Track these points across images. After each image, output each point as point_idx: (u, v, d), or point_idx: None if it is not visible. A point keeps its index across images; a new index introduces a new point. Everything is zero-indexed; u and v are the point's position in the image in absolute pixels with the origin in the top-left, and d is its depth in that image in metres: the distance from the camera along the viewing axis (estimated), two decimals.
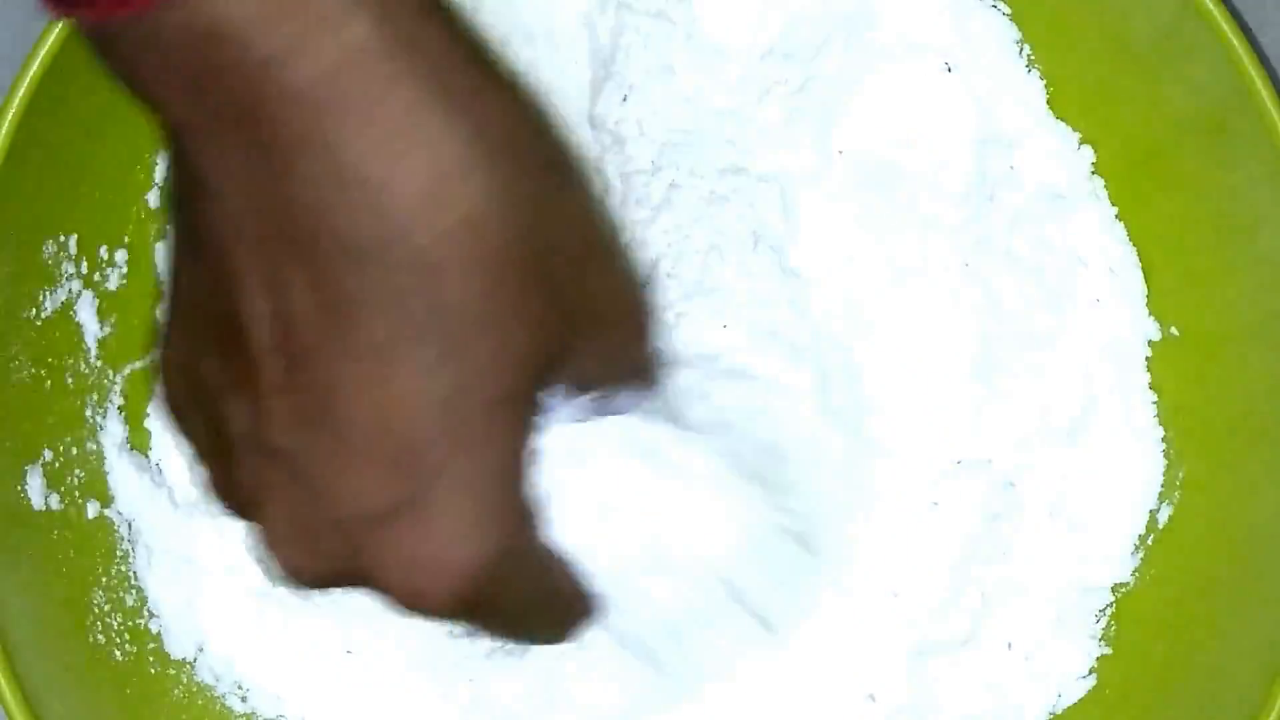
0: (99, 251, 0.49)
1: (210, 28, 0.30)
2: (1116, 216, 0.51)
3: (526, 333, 0.33)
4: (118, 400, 0.50)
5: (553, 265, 0.33)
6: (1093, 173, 0.51)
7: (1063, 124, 0.51)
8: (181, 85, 0.31)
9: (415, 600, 0.34)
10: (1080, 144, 0.51)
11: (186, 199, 0.33)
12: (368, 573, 0.34)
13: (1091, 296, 0.50)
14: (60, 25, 0.44)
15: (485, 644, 0.49)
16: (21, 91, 0.44)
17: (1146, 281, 0.51)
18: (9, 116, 0.44)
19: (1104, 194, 0.51)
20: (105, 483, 0.49)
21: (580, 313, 0.35)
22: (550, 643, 0.40)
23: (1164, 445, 0.51)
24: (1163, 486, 0.51)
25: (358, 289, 0.31)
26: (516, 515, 0.35)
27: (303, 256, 0.32)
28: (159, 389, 0.37)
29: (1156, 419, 0.51)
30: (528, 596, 0.37)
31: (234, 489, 0.35)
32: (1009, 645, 0.50)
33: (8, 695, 0.43)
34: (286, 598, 0.49)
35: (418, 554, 0.33)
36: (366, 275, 0.31)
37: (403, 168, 0.31)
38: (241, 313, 0.33)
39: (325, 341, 0.32)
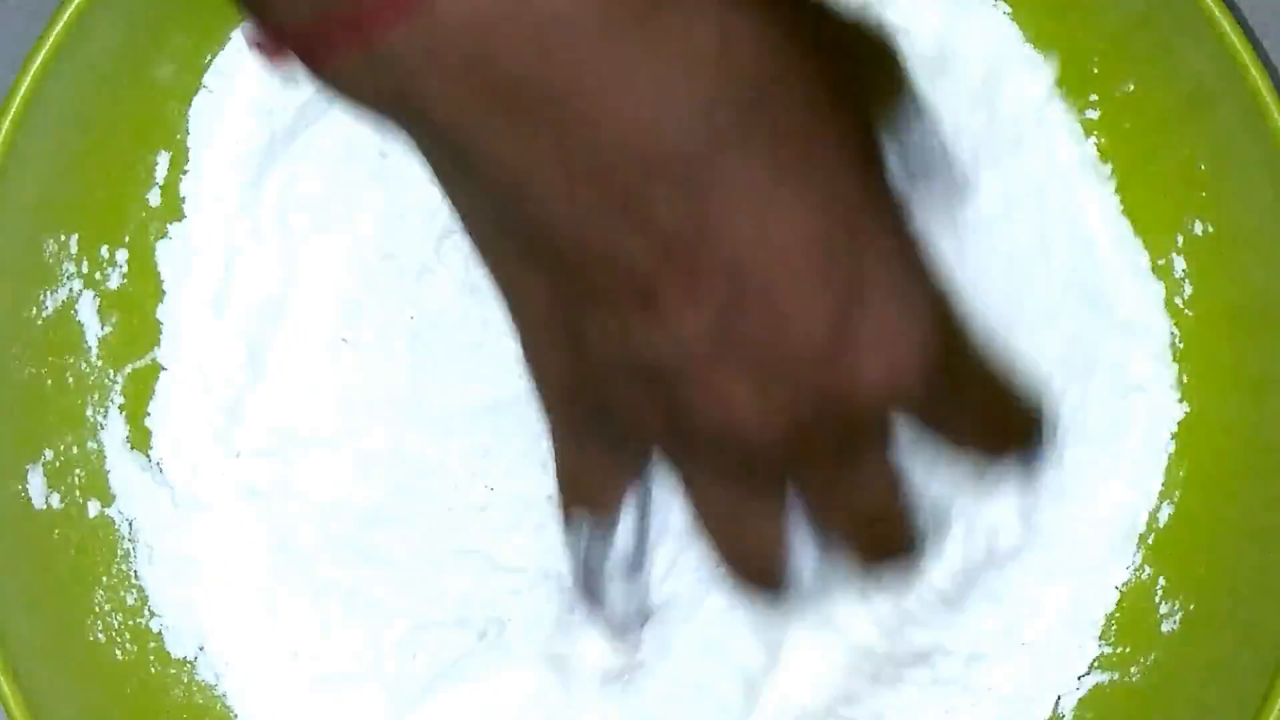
0: (100, 251, 0.49)
1: (474, 14, 0.31)
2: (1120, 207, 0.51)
3: (852, 123, 0.34)
4: (118, 399, 0.50)
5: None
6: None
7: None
8: (464, 87, 0.32)
9: (892, 375, 0.35)
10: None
11: (487, 220, 0.36)
12: (840, 379, 0.35)
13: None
14: (59, 26, 0.44)
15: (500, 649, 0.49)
16: (22, 91, 0.44)
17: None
18: (9, 115, 0.44)
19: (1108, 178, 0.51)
20: (106, 482, 0.49)
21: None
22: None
23: (1165, 445, 0.51)
24: (1163, 485, 0.51)
25: (704, 169, 0.32)
26: (940, 290, 0.37)
27: (643, 178, 0.32)
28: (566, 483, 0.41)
29: (1159, 418, 0.51)
30: (975, 387, 0.40)
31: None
32: (1009, 644, 0.50)
33: (8, 695, 0.43)
34: (289, 597, 0.50)
35: (883, 346, 0.34)
36: (705, 158, 0.32)
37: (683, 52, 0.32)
38: (613, 267, 0.34)
39: (707, 228, 0.33)
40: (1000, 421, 0.42)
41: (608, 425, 0.38)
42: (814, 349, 0.34)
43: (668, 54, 0.32)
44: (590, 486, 0.42)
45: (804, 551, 0.39)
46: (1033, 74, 0.51)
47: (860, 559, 0.40)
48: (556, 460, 0.42)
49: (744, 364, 0.34)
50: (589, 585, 0.44)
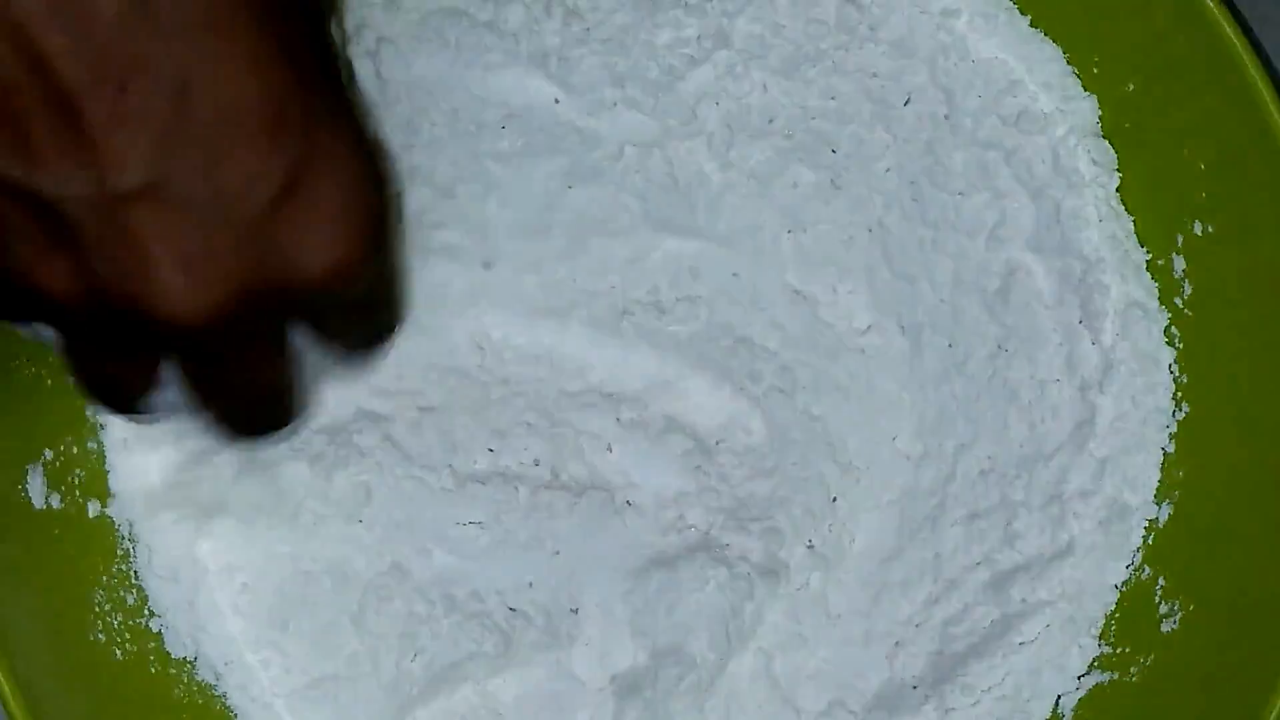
0: None
1: None
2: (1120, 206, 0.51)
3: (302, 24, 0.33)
4: None
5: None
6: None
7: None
8: None
9: (339, 264, 0.33)
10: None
11: None
12: (282, 262, 0.32)
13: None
14: None
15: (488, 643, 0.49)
16: None
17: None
18: None
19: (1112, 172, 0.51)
20: (106, 482, 0.49)
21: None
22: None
23: (1164, 445, 0.51)
24: (1163, 486, 0.50)
25: None
26: (384, 155, 0.35)
27: None
28: None
29: (1159, 418, 0.51)
30: (391, 268, 0.36)
31: (98, 272, 0.32)
32: (1008, 644, 0.50)
33: (8, 694, 0.43)
34: (287, 596, 0.50)
35: (331, 228, 0.33)
36: None
37: None
38: (37, 71, 0.30)
39: (155, 45, 0.30)
40: (387, 322, 0.40)
41: None
42: (258, 215, 0.32)
43: None
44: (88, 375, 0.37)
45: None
46: (1038, 74, 0.51)
47: (230, 432, 0.38)
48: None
49: (177, 224, 0.32)
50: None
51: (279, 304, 0.34)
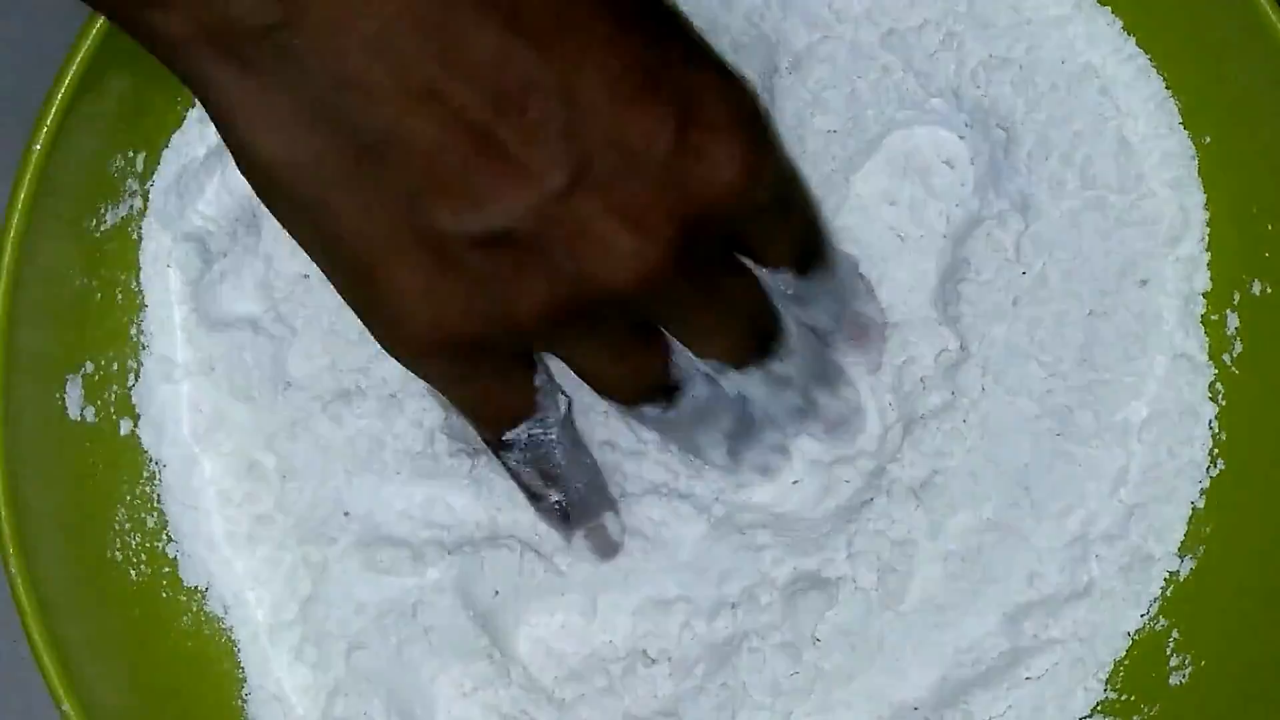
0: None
1: None
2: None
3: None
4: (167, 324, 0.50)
5: None
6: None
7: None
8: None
9: (747, 164, 0.37)
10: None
11: (313, 161, 0.36)
12: (703, 185, 0.36)
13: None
14: None
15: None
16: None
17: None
18: (90, 36, 0.44)
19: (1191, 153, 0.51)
20: (140, 403, 0.50)
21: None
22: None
23: (1195, 499, 0.50)
24: (1188, 539, 0.50)
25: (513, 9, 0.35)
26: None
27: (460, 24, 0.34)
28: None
29: (1193, 472, 0.50)
30: (785, 162, 0.43)
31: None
32: (1014, 677, 0.50)
33: (24, 600, 0.43)
34: (294, 544, 0.50)
35: (728, 142, 0.37)
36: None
37: None
38: (452, 133, 0.35)
39: (528, 66, 0.35)
40: (801, 227, 0.44)
41: (479, 345, 0.38)
42: (667, 152, 0.36)
43: None
44: (502, 404, 0.42)
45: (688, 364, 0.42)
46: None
47: (744, 356, 0.43)
48: (453, 402, 0.42)
49: (608, 195, 0.36)
50: (550, 490, 0.45)
51: (715, 226, 0.38)
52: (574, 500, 0.45)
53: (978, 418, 0.50)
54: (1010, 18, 0.49)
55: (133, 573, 0.48)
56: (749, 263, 0.42)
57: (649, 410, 0.43)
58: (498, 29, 0.35)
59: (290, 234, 0.38)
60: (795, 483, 0.49)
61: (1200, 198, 0.50)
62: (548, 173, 0.35)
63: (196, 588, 0.50)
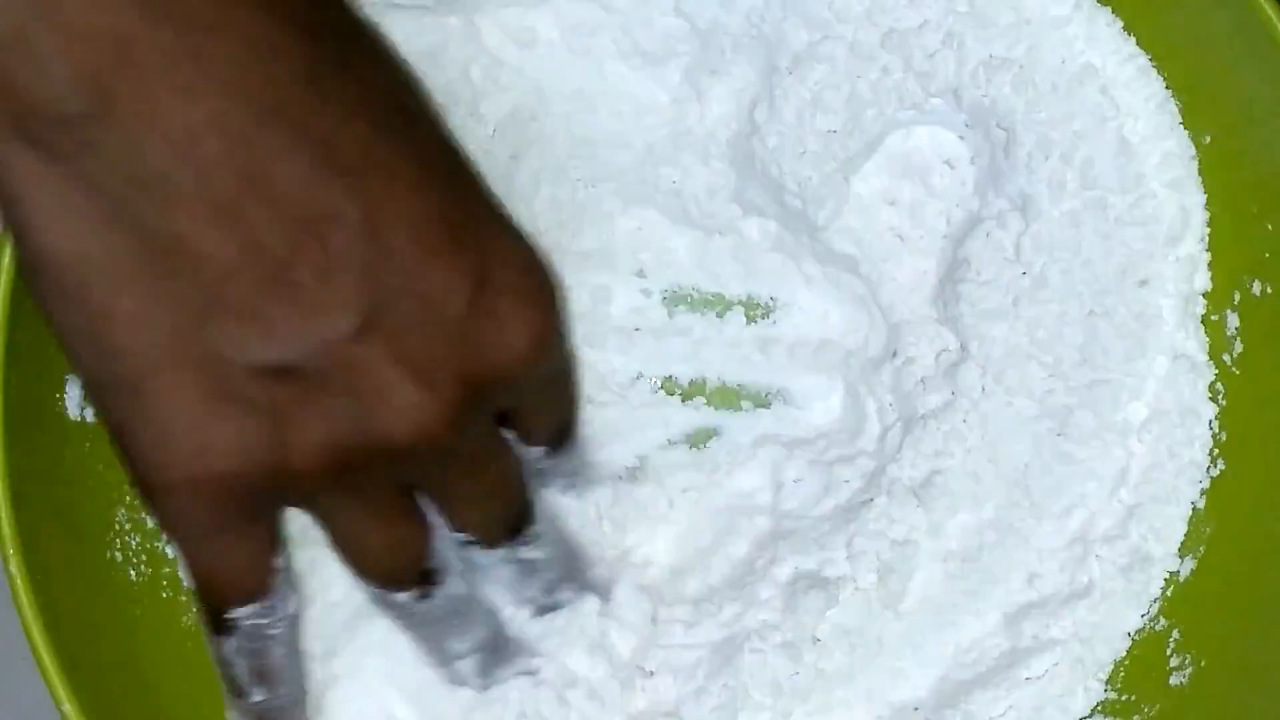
0: None
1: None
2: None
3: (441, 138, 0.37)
4: None
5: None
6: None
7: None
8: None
9: (539, 336, 0.37)
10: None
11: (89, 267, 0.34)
12: (493, 348, 0.36)
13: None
14: None
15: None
16: None
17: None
18: None
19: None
20: None
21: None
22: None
23: (1195, 499, 0.51)
24: (1188, 539, 0.50)
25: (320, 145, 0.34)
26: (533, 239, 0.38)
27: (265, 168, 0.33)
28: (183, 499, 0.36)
29: (1193, 472, 0.51)
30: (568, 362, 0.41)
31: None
32: (1014, 677, 0.50)
33: (24, 601, 0.43)
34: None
35: (521, 313, 0.36)
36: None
37: None
38: (246, 259, 0.33)
39: (334, 203, 0.34)
40: (571, 402, 0.43)
41: (240, 490, 0.36)
42: (462, 313, 0.35)
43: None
44: (240, 572, 0.39)
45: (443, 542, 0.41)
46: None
47: (497, 531, 0.42)
48: (189, 559, 0.38)
49: (399, 343, 0.35)
50: (255, 690, 0.42)
51: (497, 393, 0.37)
52: (277, 705, 0.42)
53: (978, 418, 0.50)
54: (1010, 18, 0.49)
55: (132, 572, 0.48)
56: (509, 436, 0.41)
57: (401, 597, 0.41)
58: (308, 156, 0.34)
59: (58, 337, 0.36)
60: (797, 481, 0.49)
61: (1200, 198, 0.50)
62: (340, 312, 0.34)
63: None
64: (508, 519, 0.42)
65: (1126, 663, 0.51)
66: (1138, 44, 0.50)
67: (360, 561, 0.40)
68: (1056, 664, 0.51)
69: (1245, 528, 0.49)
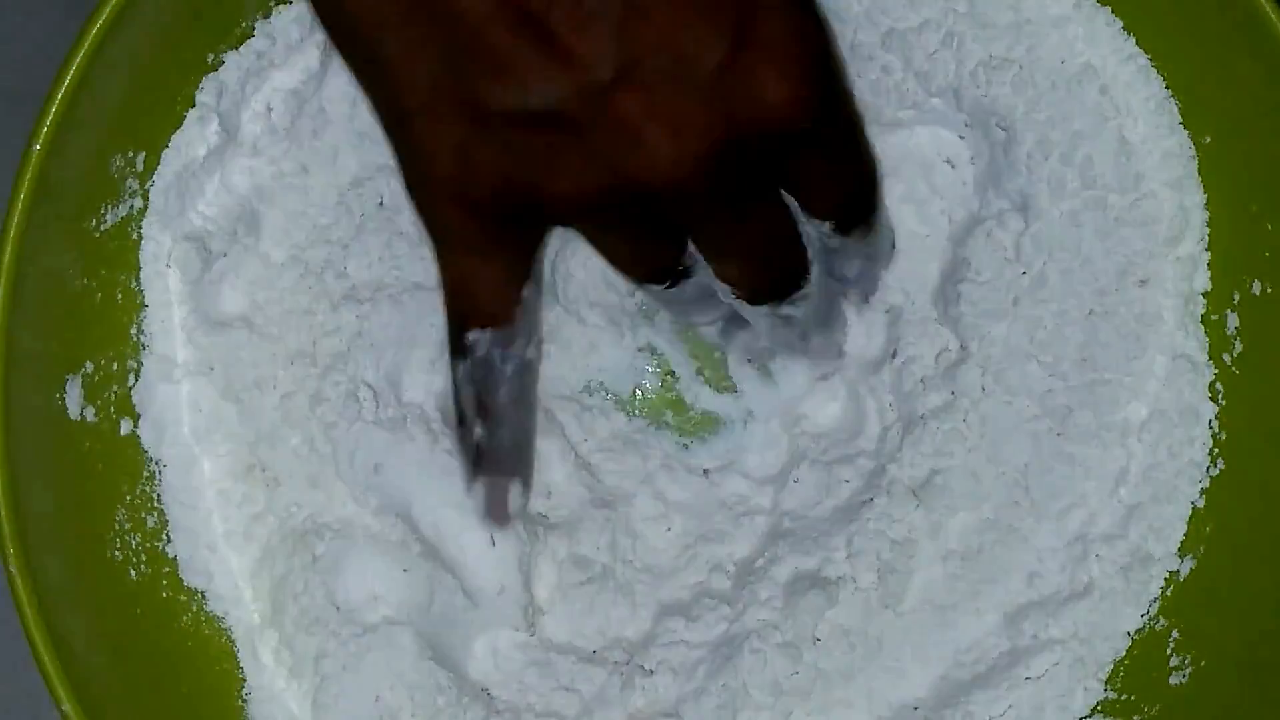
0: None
1: None
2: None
3: None
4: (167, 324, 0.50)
5: None
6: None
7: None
8: None
9: (796, 94, 0.36)
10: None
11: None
12: (749, 106, 0.36)
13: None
14: None
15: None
16: (105, 13, 0.44)
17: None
18: (90, 36, 0.44)
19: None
20: (140, 403, 0.50)
21: None
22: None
23: (1195, 499, 0.50)
24: (1188, 539, 0.50)
25: None
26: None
27: None
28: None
29: (1193, 472, 0.50)
30: (847, 103, 0.40)
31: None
32: (1014, 676, 0.50)
33: (25, 601, 0.43)
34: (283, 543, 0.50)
35: (784, 59, 0.36)
36: None
37: None
38: (505, 12, 0.35)
39: None
40: (854, 176, 0.42)
41: (500, 208, 0.38)
42: (718, 66, 0.36)
43: None
44: (488, 291, 0.41)
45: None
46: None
47: (756, 292, 0.42)
48: (445, 269, 0.41)
49: (650, 96, 0.36)
50: (476, 423, 0.43)
51: (758, 149, 0.37)
52: (493, 446, 0.44)
53: (978, 418, 0.50)
54: (1010, 18, 0.49)
55: (133, 573, 0.48)
56: (794, 204, 0.42)
57: (653, 286, 0.42)
58: None
59: (347, 65, 0.38)
60: (796, 481, 0.49)
61: (1200, 198, 0.50)
62: (594, 63, 0.35)
63: (196, 588, 0.50)
64: (766, 282, 0.42)
65: (1126, 663, 0.51)
66: (1138, 44, 0.49)
67: (613, 261, 0.41)
68: (1056, 664, 0.51)
69: (1245, 528, 0.49)
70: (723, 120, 0.36)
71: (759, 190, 0.39)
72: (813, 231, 0.42)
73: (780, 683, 0.49)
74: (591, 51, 0.35)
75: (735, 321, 0.46)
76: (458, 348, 0.41)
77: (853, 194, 0.43)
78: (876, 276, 0.48)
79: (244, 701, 0.50)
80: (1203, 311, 0.50)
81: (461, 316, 0.41)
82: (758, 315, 0.44)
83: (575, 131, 0.36)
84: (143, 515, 0.49)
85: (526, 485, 0.46)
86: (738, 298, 0.42)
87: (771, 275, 0.42)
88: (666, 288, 0.42)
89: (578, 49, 0.35)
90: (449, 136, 0.37)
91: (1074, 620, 0.50)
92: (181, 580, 0.50)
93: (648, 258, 0.41)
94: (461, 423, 0.43)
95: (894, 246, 0.49)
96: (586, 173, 0.37)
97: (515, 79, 0.35)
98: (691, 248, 0.41)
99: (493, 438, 0.43)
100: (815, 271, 0.43)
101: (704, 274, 0.42)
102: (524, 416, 0.44)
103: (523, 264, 0.41)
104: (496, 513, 0.45)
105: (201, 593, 0.50)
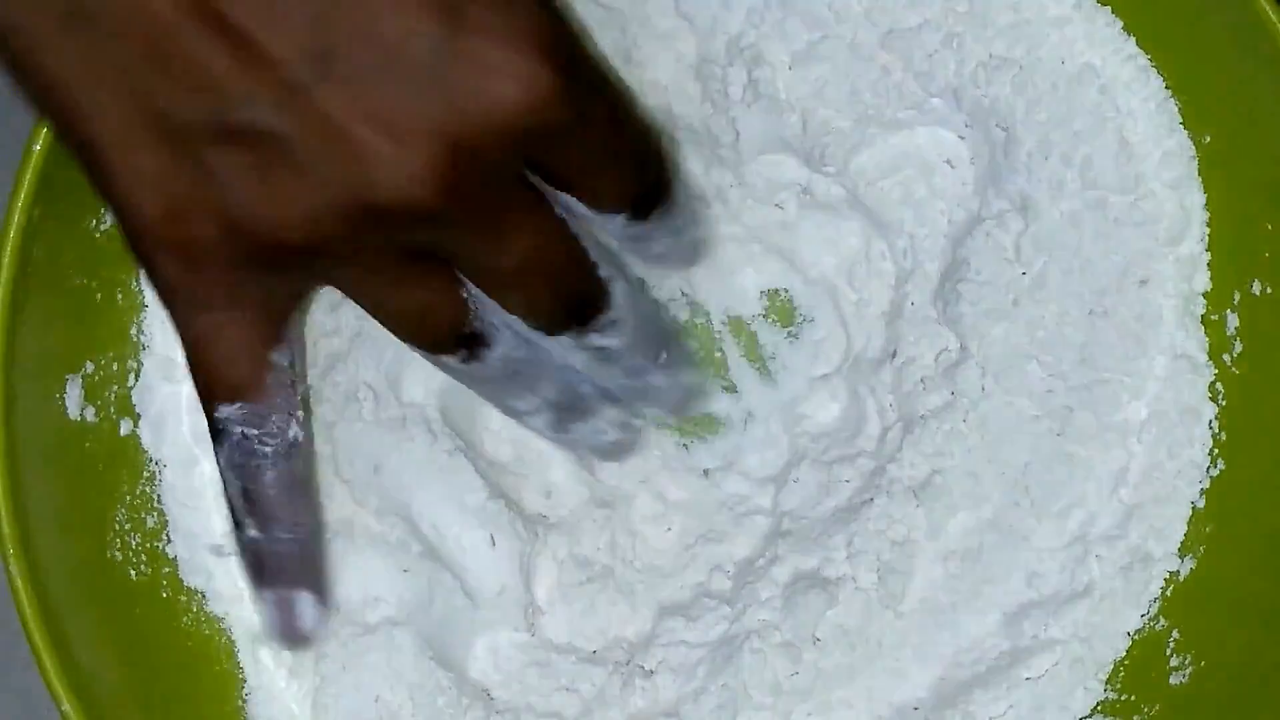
0: None
1: None
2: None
3: None
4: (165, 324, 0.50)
5: None
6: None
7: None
8: None
9: (530, 84, 0.32)
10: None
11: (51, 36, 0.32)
12: (477, 101, 0.32)
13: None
14: None
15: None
16: None
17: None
18: None
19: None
20: (140, 403, 0.50)
21: None
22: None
23: (1195, 499, 0.50)
24: (1188, 539, 0.50)
25: None
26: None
27: None
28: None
29: (1193, 472, 0.50)
30: (609, 90, 0.35)
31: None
32: (1014, 677, 0.50)
33: (25, 601, 0.43)
34: None
35: (504, 57, 0.32)
36: None
37: None
38: (188, 18, 0.31)
39: None
40: (632, 158, 0.37)
41: (227, 254, 0.33)
42: (431, 54, 0.31)
43: None
44: (228, 359, 0.36)
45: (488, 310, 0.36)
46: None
47: (550, 318, 0.37)
48: (181, 333, 0.36)
49: (356, 94, 0.31)
50: (248, 522, 0.38)
51: (505, 150, 0.33)
52: (273, 550, 0.38)
53: (978, 418, 0.50)
54: (1010, 18, 0.49)
55: (133, 573, 0.48)
56: (580, 207, 0.36)
57: (449, 360, 0.37)
58: None
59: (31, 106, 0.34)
60: (796, 481, 0.49)
61: (1200, 198, 0.50)
62: (287, 60, 0.31)
63: (196, 588, 0.50)
64: (555, 304, 0.37)
65: (1126, 663, 0.51)
66: (1138, 44, 0.49)
67: (391, 324, 0.37)
68: (1056, 664, 0.51)
69: (1245, 528, 0.49)
70: (449, 119, 0.32)
71: (518, 199, 0.35)
72: (612, 231, 0.38)
73: (780, 683, 0.49)
74: (285, 47, 0.31)
75: (568, 411, 0.41)
76: (212, 428, 0.37)
77: (636, 178, 0.37)
78: (695, 242, 0.43)
79: (244, 701, 0.50)
80: (1203, 311, 0.50)
81: (205, 389, 0.36)
82: (575, 358, 0.39)
83: (283, 146, 0.32)
84: (143, 515, 0.49)
85: (321, 597, 0.40)
86: (534, 329, 0.37)
87: (559, 295, 0.37)
88: (465, 361, 0.37)
89: (269, 46, 0.31)
90: (147, 169, 0.32)
91: (1074, 620, 0.50)
92: (181, 580, 0.50)
93: (426, 310, 0.36)
94: (236, 523, 0.39)
95: (698, 202, 0.44)
96: (304, 196, 0.32)
97: (205, 87, 0.31)
98: (481, 304, 0.36)
99: (268, 539, 0.38)
100: (621, 291, 0.39)
101: (510, 344, 0.37)
102: (302, 512, 0.39)
103: (271, 324, 0.36)
104: (286, 632, 0.39)
105: (201, 593, 0.50)
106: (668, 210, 0.39)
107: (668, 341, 0.42)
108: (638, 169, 0.37)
